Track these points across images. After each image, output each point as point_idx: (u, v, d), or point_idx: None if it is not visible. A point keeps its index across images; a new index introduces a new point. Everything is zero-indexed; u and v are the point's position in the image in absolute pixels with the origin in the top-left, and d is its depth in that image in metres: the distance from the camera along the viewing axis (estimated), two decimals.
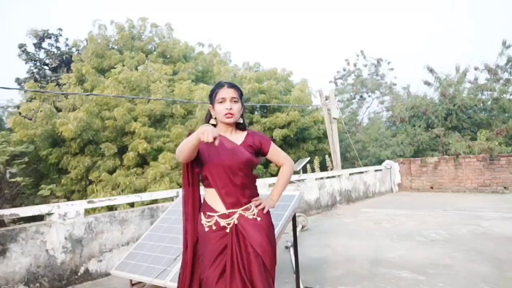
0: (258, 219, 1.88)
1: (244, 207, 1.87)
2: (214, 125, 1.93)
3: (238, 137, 1.94)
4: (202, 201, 1.98)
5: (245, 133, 1.98)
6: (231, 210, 1.85)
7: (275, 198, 1.99)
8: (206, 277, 1.79)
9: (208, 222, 1.87)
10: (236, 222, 1.85)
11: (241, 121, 1.96)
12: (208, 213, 1.88)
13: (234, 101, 1.88)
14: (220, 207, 1.86)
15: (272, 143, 2.00)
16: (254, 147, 1.93)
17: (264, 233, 1.86)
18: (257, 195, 1.96)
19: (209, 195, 1.90)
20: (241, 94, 1.94)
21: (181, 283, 1.94)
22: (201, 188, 1.97)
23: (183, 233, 1.96)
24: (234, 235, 1.83)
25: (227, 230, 1.84)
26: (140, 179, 9.43)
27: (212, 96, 1.92)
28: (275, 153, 2.00)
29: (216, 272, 1.77)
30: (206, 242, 1.86)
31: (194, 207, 1.93)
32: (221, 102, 1.87)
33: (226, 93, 1.87)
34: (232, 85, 1.92)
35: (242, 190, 1.87)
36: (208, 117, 1.98)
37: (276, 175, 10.92)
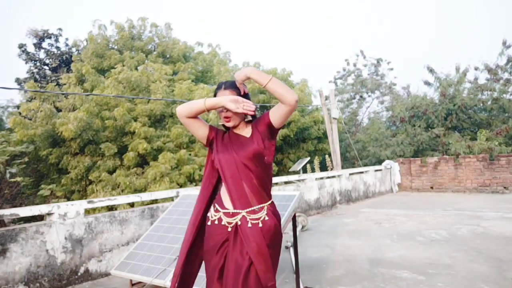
0: (260, 225, 1.78)
1: (250, 209, 1.80)
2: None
3: (248, 131, 1.91)
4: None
5: (251, 124, 1.94)
6: (236, 211, 1.80)
7: (254, 71, 1.72)
8: (209, 273, 1.84)
9: (214, 216, 1.86)
10: (239, 223, 1.80)
11: (249, 118, 1.92)
12: (217, 206, 1.87)
13: None
14: (228, 205, 1.83)
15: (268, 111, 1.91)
16: (261, 131, 1.85)
17: (268, 237, 1.78)
18: (269, 199, 1.87)
19: (223, 189, 1.88)
20: (239, 93, 1.86)
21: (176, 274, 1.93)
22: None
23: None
24: (233, 238, 1.79)
25: (229, 229, 1.81)
26: (140, 179, 9.43)
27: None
28: (274, 110, 1.83)
29: (215, 274, 1.80)
30: (209, 236, 1.86)
31: (204, 198, 1.96)
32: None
33: (222, 94, 1.85)
34: (229, 86, 1.87)
35: (253, 190, 1.80)
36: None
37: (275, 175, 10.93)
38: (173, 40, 13.56)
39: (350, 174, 9.63)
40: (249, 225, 1.77)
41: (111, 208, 7.44)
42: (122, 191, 9.34)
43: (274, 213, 1.86)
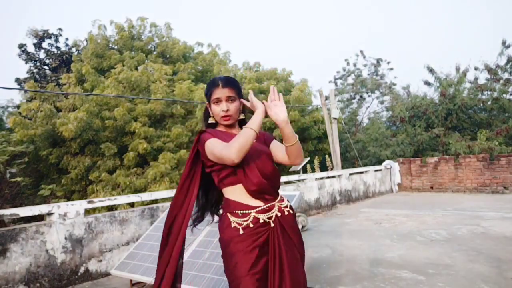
0: (292, 212, 1.75)
1: (278, 198, 1.71)
2: (214, 124, 1.79)
3: None
4: (217, 203, 1.82)
5: None
6: (270, 204, 1.66)
7: (289, 124, 1.63)
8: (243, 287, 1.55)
9: (244, 221, 1.61)
10: (279, 214, 1.67)
11: (242, 117, 1.80)
12: (240, 211, 1.63)
13: (231, 100, 1.72)
14: (256, 202, 1.65)
15: (274, 139, 1.85)
16: (262, 142, 1.78)
17: (297, 224, 1.76)
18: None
19: (236, 192, 1.67)
20: (239, 91, 1.76)
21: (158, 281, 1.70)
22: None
23: (166, 224, 1.74)
24: (279, 230, 1.64)
25: (272, 225, 1.64)
26: (140, 179, 9.43)
27: (207, 95, 1.77)
28: (277, 144, 1.78)
29: (254, 279, 1.55)
30: (237, 248, 1.59)
31: (191, 199, 1.73)
32: (216, 102, 1.72)
33: (221, 93, 1.70)
34: (227, 83, 1.73)
35: (274, 182, 1.71)
36: (206, 115, 1.82)
37: None
38: (173, 40, 13.57)
39: (350, 174, 9.63)
40: (286, 213, 1.70)
41: (111, 208, 7.44)
42: (122, 191, 9.35)
43: (286, 199, 1.84)
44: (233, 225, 1.62)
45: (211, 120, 1.78)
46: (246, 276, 1.55)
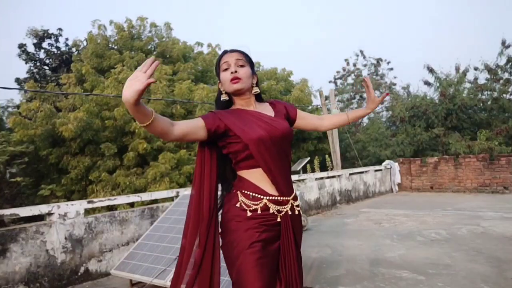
0: (301, 211, 1.67)
1: (293, 195, 1.61)
2: (228, 102, 1.63)
3: (265, 108, 1.66)
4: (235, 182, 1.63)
5: (267, 104, 1.71)
6: (285, 198, 1.56)
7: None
8: (241, 261, 1.46)
9: (254, 204, 1.51)
10: (289, 212, 1.57)
11: (257, 90, 1.64)
12: (253, 193, 1.52)
13: (240, 65, 1.57)
14: (272, 190, 1.54)
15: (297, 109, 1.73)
16: (284, 115, 1.68)
17: (302, 228, 1.69)
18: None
19: (252, 175, 1.55)
20: (249, 59, 1.64)
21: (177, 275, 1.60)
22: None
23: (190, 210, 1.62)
24: (286, 230, 1.55)
25: (278, 219, 1.54)
26: (140, 179, 9.43)
27: (217, 69, 1.63)
28: (304, 115, 1.72)
29: (255, 255, 1.45)
30: (241, 228, 1.49)
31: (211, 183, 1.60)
32: (225, 69, 1.58)
33: (229, 56, 1.59)
34: (236, 49, 1.63)
35: (289, 172, 1.62)
36: (218, 95, 1.67)
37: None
38: (173, 40, 13.57)
39: (350, 174, 9.63)
40: (296, 212, 1.62)
41: (111, 208, 7.43)
42: (122, 191, 9.35)
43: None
44: (238, 205, 1.52)
45: (223, 97, 1.62)
46: (247, 250, 1.45)
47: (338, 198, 8.93)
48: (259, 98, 1.70)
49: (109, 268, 4.22)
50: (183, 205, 4.15)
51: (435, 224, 6.16)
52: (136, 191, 9.10)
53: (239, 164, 1.57)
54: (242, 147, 1.51)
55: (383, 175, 11.11)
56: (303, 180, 7.94)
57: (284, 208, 1.55)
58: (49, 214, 3.95)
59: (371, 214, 7.50)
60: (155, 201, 5.90)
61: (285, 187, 1.56)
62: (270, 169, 1.52)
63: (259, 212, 1.51)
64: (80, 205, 4.19)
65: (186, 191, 5.19)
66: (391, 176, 11.39)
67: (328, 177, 8.86)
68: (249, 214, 1.50)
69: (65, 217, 4.01)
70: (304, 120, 1.76)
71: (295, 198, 1.63)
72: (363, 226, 6.38)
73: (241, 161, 1.55)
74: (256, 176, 1.54)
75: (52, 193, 9.91)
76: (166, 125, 1.37)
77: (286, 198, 1.56)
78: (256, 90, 1.64)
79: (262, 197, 1.52)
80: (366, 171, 10.35)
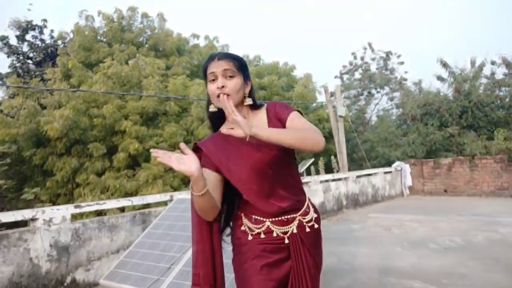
0: (316, 226, 1.63)
1: (302, 210, 1.58)
2: (215, 113, 1.58)
3: (260, 118, 1.58)
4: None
5: (263, 110, 1.60)
6: (291, 216, 1.55)
7: (266, 132, 1.37)
8: (246, 268, 1.51)
9: (257, 227, 1.53)
10: (295, 231, 1.55)
11: (250, 102, 1.56)
12: (255, 216, 1.54)
13: (229, 76, 1.49)
14: (274, 209, 1.54)
15: (294, 111, 1.58)
16: (279, 121, 1.58)
17: (321, 243, 1.68)
18: (305, 194, 1.68)
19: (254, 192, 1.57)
20: (240, 66, 1.54)
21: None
22: None
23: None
24: (296, 251, 1.54)
25: (286, 241, 1.53)
26: (131, 182, 9.44)
27: (204, 75, 1.56)
28: (295, 122, 1.53)
29: (261, 278, 1.48)
30: (247, 251, 1.52)
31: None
32: (212, 80, 1.50)
33: (216, 66, 1.49)
34: (224, 55, 1.53)
35: (294, 185, 1.61)
36: (208, 103, 1.60)
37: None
38: (166, 31, 13.57)
39: (358, 176, 9.63)
40: (307, 229, 1.58)
41: (99, 213, 7.44)
42: (112, 194, 9.36)
43: (314, 206, 1.69)
44: (243, 227, 1.56)
45: (212, 108, 1.56)
46: (255, 276, 1.48)
47: (344, 203, 8.93)
48: (254, 103, 1.62)
49: (98, 277, 4.22)
50: (178, 210, 4.15)
51: (449, 231, 6.17)
52: (127, 194, 9.11)
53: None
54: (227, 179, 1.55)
55: (393, 177, 11.11)
56: (306, 183, 7.95)
57: (290, 227, 1.54)
58: (33, 219, 3.95)
59: (380, 220, 7.51)
60: (147, 206, 5.91)
61: (290, 204, 1.55)
62: (267, 197, 1.52)
63: (262, 236, 1.53)
64: (67, 210, 4.19)
65: (181, 195, 5.20)
66: (401, 178, 11.40)
67: (333, 180, 8.86)
68: (251, 238, 1.53)
69: (50, 222, 4.01)
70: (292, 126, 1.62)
71: (305, 213, 1.60)
72: (371, 232, 6.39)
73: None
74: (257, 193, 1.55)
75: (36, 197, 9.91)
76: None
77: (293, 216, 1.55)
78: (248, 101, 1.56)
79: (264, 219, 1.54)
80: (374, 173, 10.35)
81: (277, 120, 1.56)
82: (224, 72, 1.49)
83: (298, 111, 1.60)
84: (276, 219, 1.53)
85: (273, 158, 1.51)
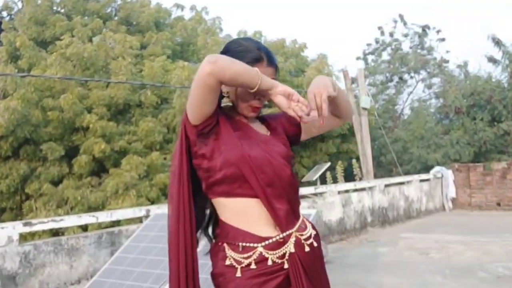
0: (315, 244, 1.64)
1: (297, 225, 1.60)
2: (227, 107, 1.68)
3: (260, 127, 1.74)
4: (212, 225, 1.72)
5: (257, 120, 1.77)
6: (286, 233, 1.55)
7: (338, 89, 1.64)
8: None
9: (245, 258, 1.52)
10: (292, 250, 1.54)
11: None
12: (241, 243, 1.54)
13: None
14: (266, 229, 1.54)
15: None
16: (284, 131, 1.76)
17: (324, 269, 1.72)
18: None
19: (236, 211, 1.57)
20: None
21: None
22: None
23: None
24: (296, 276, 1.53)
25: (285, 266, 1.53)
26: (96, 193, 9.43)
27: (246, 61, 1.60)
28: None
29: None
30: (232, 285, 1.53)
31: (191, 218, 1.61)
32: None
33: (265, 70, 1.59)
34: (273, 60, 1.67)
35: (295, 199, 1.65)
36: (221, 96, 1.65)
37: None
38: (142, 1, 13.57)
39: (386, 185, 9.65)
40: (307, 249, 1.58)
41: (56, 233, 7.44)
42: (72, 209, 9.35)
43: (310, 222, 1.74)
44: (228, 262, 1.54)
45: (226, 102, 1.65)
46: None
47: (369, 219, 8.94)
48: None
49: None
50: (156, 228, 4.15)
51: (504, 255, 6.17)
52: (91, 209, 9.10)
53: (212, 188, 1.58)
54: (222, 163, 1.52)
55: (432, 187, 11.12)
56: (321, 193, 7.95)
57: (287, 247, 1.54)
58: None
59: (415, 241, 7.52)
60: (117, 223, 5.90)
61: (286, 220, 1.56)
62: (264, 192, 1.53)
63: (253, 267, 1.50)
64: (14, 228, 4.19)
65: (160, 209, 5.19)
66: (442, 188, 11.41)
67: (355, 190, 8.87)
68: (239, 274, 1.50)
69: None
70: (305, 126, 1.79)
71: (301, 229, 1.61)
72: (403, 257, 6.40)
73: (216, 184, 1.56)
74: (241, 210, 1.56)
75: None
76: None
77: (288, 232, 1.55)
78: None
79: (255, 245, 1.52)
80: (408, 182, 10.37)
81: (282, 130, 1.78)
82: None
83: None
84: (270, 241, 1.52)
85: (289, 156, 1.66)
